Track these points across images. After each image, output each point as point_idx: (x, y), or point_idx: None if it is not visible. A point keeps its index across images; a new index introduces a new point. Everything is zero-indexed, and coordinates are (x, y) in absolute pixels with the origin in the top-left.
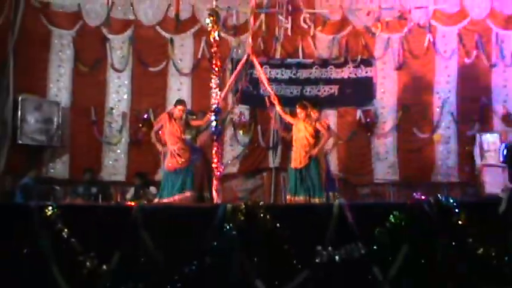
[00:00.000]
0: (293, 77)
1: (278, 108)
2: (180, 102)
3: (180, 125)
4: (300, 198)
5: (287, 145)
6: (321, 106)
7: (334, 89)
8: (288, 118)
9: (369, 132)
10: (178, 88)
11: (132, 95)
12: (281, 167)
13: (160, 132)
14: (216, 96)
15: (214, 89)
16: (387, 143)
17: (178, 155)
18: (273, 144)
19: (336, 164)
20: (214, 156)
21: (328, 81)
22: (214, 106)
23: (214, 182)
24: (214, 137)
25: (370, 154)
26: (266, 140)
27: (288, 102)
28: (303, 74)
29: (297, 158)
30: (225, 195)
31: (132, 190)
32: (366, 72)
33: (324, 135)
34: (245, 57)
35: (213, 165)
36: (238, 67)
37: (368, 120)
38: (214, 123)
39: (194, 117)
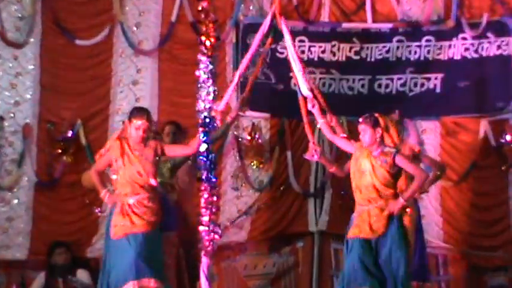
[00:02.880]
0: (354, 57)
1: (320, 120)
2: (139, 112)
3: (146, 159)
4: None
5: (341, 188)
6: (409, 114)
7: (435, 81)
8: (341, 143)
9: (505, 164)
10: (134, 80)
11: (41, 92)
12: (330, 231)
13: (109, 173)
14: (207, 97)
15: (205, 82)
16: None
17: (135, 213)
18: (316, 187)
19: (439, 227)
20: (203, 210)
21: (424, 66)
22: (203, 115)
23: (204, 260)
24: (204, 174)
25: (507, 207)
26: (302, 180)
27: (345, 107)
28: (374, 52)
29: (361, 221)
30: (224, 284)
31: (41, 277)
32: (499, 48)
33: (417, 175)
34: (267, 19)
35: (202, 229)
36: (257, 37)
37: (503, 140)
38: (203, 147)
39: (153, 134)
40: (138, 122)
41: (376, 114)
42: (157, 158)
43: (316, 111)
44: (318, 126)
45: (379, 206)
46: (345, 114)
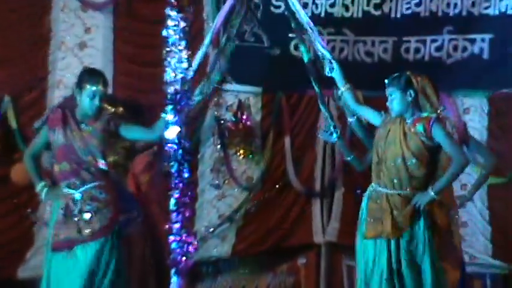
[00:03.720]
0: (374, 12)
1: (345, 86)
2: (93, 76)
3: (94, 134)
4: None
5: (356, 186)
6: (447, 88)
7: (482, 44)
8: (368, 114)
9: None
10: (81, 42)
11: None
12: (342, 243)
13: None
14: (178, 65)
15: (175, 45)
16: None
17: (86, 213)
18: (323, 185)
19: (486, 237)
20: (174, 215)
21: (467, 24)
22: (173, 89)
23: (175, 280)
24: (173, 167)
25: None
26: (305, 175)
27: (362, 78)
28: (400, 5)
29: (380, 212)
30: None
31: None
32: None
33: (455, 158)
34: None
35: (172, 239)
36: None
37: None
38: (172, 132)
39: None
40: (92, 88)
41: (408, 73)
42: (108, 135)
43: (337, 75)
44: (339, 93)
45: (404, 195)
46: (361, 87)
